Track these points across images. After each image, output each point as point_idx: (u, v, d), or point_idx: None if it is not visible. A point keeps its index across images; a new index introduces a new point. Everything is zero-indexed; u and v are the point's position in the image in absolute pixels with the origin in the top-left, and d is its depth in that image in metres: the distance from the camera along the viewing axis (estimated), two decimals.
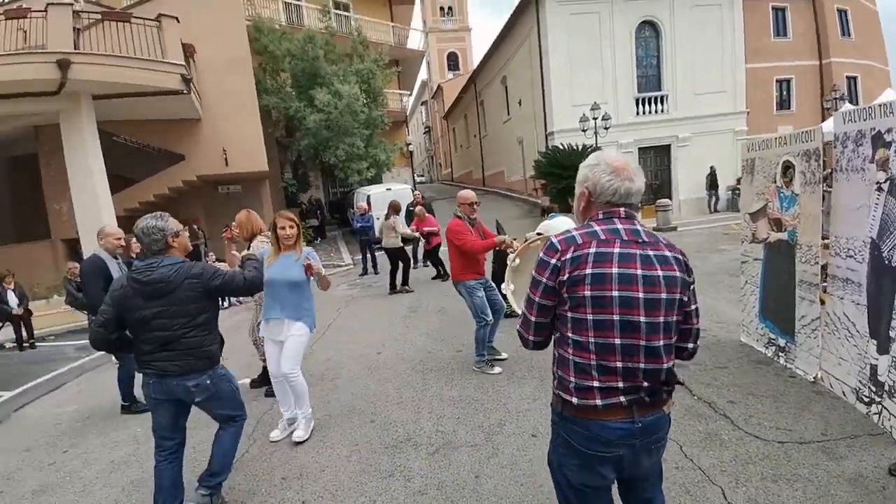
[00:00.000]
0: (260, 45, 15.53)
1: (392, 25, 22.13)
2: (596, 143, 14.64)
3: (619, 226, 1.38)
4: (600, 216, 1.41)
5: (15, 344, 7.49)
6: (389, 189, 14.98)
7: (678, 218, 15.13)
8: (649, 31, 18.02)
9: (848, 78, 21.40)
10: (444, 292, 7.87)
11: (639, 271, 1.32)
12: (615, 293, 1.30)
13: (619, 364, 1.32)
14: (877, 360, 2.89)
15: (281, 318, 3.25)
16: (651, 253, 1.36)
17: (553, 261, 1.35)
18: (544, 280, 1.37)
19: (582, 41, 17.19)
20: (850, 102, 17.84)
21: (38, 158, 11.33)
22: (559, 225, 5.58)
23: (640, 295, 1.31)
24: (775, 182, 4.26)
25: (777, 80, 21.50)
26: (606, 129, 15.02)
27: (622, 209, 1.41)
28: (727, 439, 2.91)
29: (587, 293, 1.31)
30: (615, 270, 1.31)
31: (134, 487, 3.05)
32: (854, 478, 2.42)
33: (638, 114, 17.89)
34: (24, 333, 7.52)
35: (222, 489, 2.68)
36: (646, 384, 1.34)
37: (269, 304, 3.29)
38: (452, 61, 41.05)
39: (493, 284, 4.48)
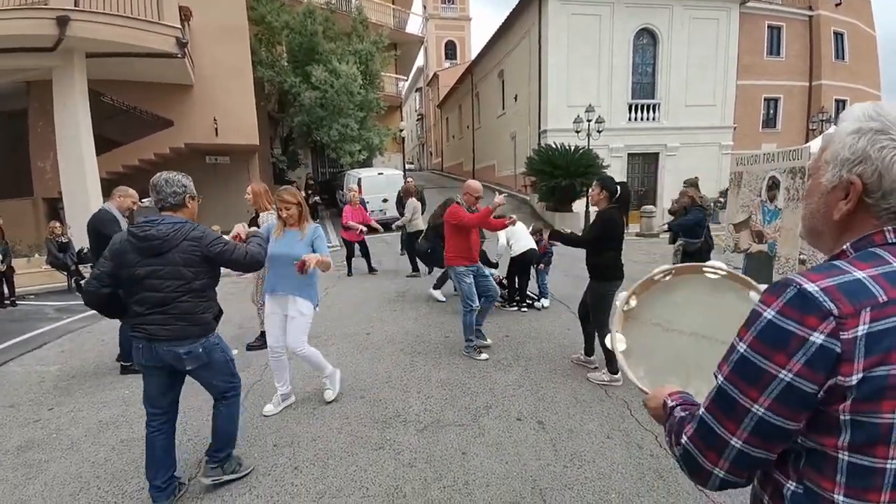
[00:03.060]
0: (257, 14, 15.23)
1: (393, 8, 21.90)
2: (588, 145, 14.87)
3: None
4: (891, 239, 0.75)
5: None
6: (381, 173, 14.96)
7: (661, 225, 15.50)
8: (647, 38, 18.28)
9: (836, 101, 22.10)
10: (431, 279, 7.98)
11: None
12: None
13: None
14: None
15: (285, 293, 3.27)
16: None
17: (816, 335, 0.67)
18: (783, 374, 0.69)
19: (581, 42, 17.34)
20: (835, 125, 18.45)
21: (28, 114, 10.94)
22: (518, 231, 5.72)
23: None
24: (760, 196, 4.49)
25: (765, 98, 22.10)
26: (599, 132, 15.26)
27: None
28: None
29: None
30: None
31: (125, 446, 3.08)
32: None
33: (630, 119, 18.20)
34: (6, 290, 7.34)
35: (232, 456, 2.67)
36: None
37: (274, 279, 3.30)
38: (450, 50, 40.78)
39: (486, 272, 4.61)
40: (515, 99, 21.06)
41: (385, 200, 13.82)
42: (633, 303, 1.45)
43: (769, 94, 22.03)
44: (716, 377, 0.79)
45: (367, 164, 18.00)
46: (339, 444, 3.05)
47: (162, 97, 11.96)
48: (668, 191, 18.61)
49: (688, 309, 1.36)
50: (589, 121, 14.78)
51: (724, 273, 1.32)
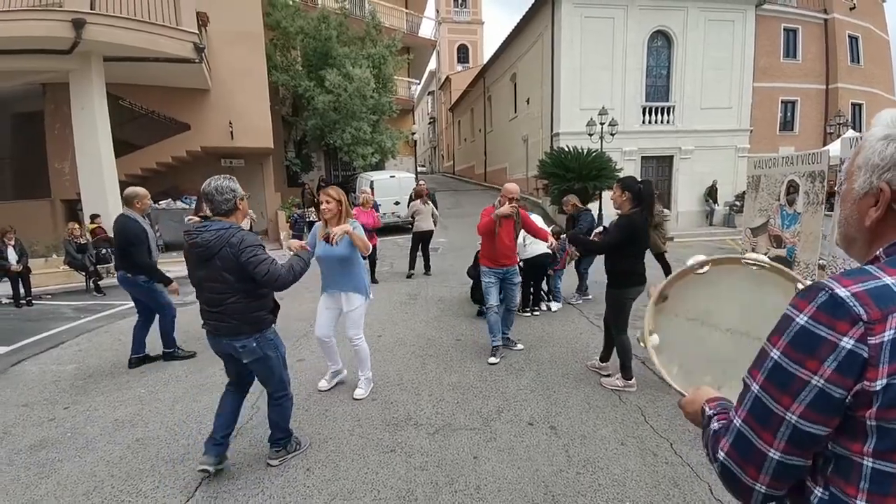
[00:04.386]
0: (273, 20, 15.42)
1: (406, 12, 22.02)
2: (601, 148, 14.76)
3: None
4: None
5: (11, 300, 7.47)
6: (393, 176, 15.02)
7: (675, 229, 15.32)
8: (662, 41, 18.10)
9: (853, 104, 21.66)
10: (442, 282, 7.99)
11: None
12: None
13: None
14: None
15: (337, 291, 3.55)
16: None
17: (846, 340, 0.67)
18: (815, 380, 0.68)
19: (595, 45, 17.23)
20: (854, 129, 18.09)
21: (45, 116, 11.20)
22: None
23: None
24: (778, 200, 4.40)
25: (782, 101, 21.70)
26: (612, 135, 15.13)
27: None
28: None
29: None
30: None
31: (140, 445, 3.12)
32: None
33: (644, 122, 18.02)
34: (22, 290, 7.50)
35: (292, 438, 2.93)
36: None
37: (325, 278, 3.59)
38: (462, 53, 40.88)
39: (515, 279, 4.51)
40: (528, 102, 20.99)
41: (397, 203, 13.87)
42: (667, 297, 1.37)
43: (786, 96, 21.65)
44: (747, 384, 0.77)
45: (379, 167, 18.07)
46: (350, 445, 3.05)
47: (179, 101, 12.16)
48: (683, 194, 18.41)
49: (726, 303, 1.29)
50: (602, 123, 14.67)
51: (766, 265, 1.26)
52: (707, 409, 0.92)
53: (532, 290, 6.02)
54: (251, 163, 14.55)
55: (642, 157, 18.12)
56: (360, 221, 7.86)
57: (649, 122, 18.06)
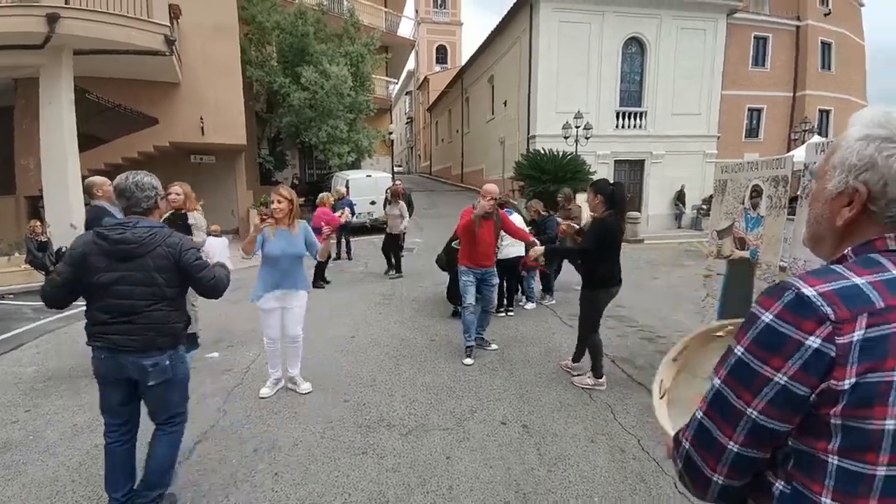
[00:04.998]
0: (248, 14, 15.11)
1: (385, 11, 21.91)
2: (576, 151, 15.00)
3: None
4: (892, 246, 0.74)
5: None
6: (370, 176, 14.90)
7: (646, 231, 15.69)
8: (636, 47, 18.52)
9: (821, 111, 22.51)
10: (417, 282, 7.97)
11: None
12: None
13: None
14: None
15: (289, 289, 3.59)
16: None
17: (812, 339, 0.67)
18: (778, 377, 0.69)
19: (571, 50, 17.51)
20: (820, 135, 18.84)
21: (14, 112, 10.68)
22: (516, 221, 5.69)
23: None
24: (743, 203, 4.56)
25: (749, 109, 22.51)
26: (587, 138, 15.40)
27: None
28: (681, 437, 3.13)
29: (890, 424, 0.66)
30: None
31: (99, 451, 2.97)
32: None
33: (617, 127, 18.40)
34: None
35: (165, 496, 2.37)
36: None
37: (276, 277, 3.55)
38: (441, 54, 40.90)
39: (492, 280, 4.57)
40: (505, 104, 21.17)
41: (373, 202, 13.76)
42: (677, 357, 1.33)
43: (753, 104, 22.45)
44: (712, 381, 0.78)
45: (355, 166, 17.92)
46: (321, 448, 3.00)
47: (147, 94, 11.75)
48: (654, 198, 18.89)
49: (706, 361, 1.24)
50: (577, 127, 14.91)
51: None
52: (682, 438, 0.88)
53: (506, 290, 6.07)
54: (223, 159, 14.20)
55: (615, 161, 18.50)
56: (322, 221, 7.77)
57: (623, 126, 18.45)
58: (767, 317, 0.71)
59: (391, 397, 3.74)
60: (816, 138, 6.78)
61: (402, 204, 8.54)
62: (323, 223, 7.53)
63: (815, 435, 0.69)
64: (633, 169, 18.97)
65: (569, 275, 7.06)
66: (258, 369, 4.26)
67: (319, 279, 7.72)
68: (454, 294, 6.08)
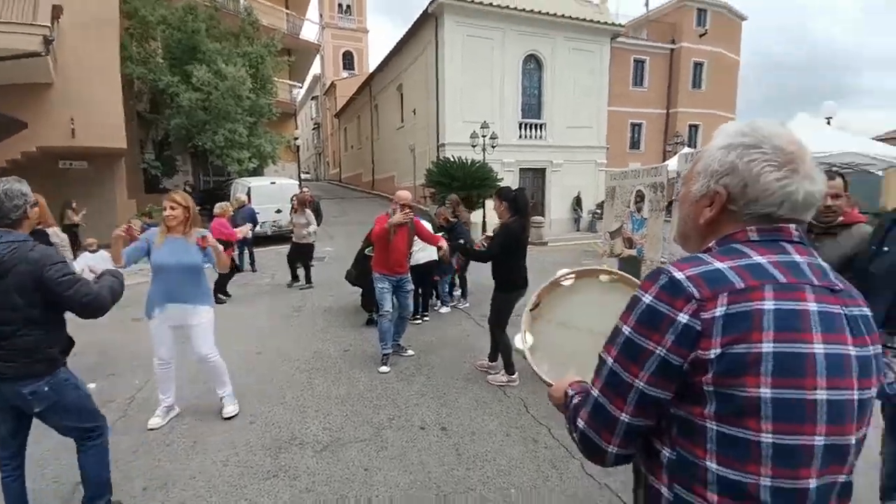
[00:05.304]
0: (130, 7, 13.62)
1: (286, 12, 21.06)
2: (484, 159, 15.60)
3: (798, 257, 0.80)
4: (753, 237, 0.81)
5: None
6: (274, 183, 14.11)
7: (549, 235, 16.76)
8: (534, 63, 19.82)
9: (690, 126, 25.75)
10: (328, 291, 7.69)
11: (852, 350, 0.76)
12: (823, 395, 0.73)
13: None
14: None
15: (184, 303, 3.18)
16: (856, 312, 0.80)
17: (682, 315, 0.75)
18: (659, 350, 0.76)
19: (476, 62, 18.24)
20: (689, 147, 21.58)
21: None
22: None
23: (855, 395, 0.76)
24: (629, 207, 5.06)
25: (631, 123, 25.19)
26: (493, 147, 16.10)
27: (793, 228, 0.83)
28: None
29: (765, 391, 0.71)
30: (820, 349, 0.73)
31: None
32: None
33: (520, 137, 19.50)
34: None
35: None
36: None
37: (165, 290, 3.16)
38: (348, 60, 40.25)
39: (407, 286, 4.56)
40: (414, 112, 21.40)
41: (279, 211, 13.05)
42: (539, 304, 1.56)
43: (634, 119, 25.17)
44: (603, 359, 0.86)
45: (257, 172, 16.91)
46: (223, 477, 2.75)
47: (14, 96, 9.96)
48: (555, 203, 20.29)
49: (586, 309, 1.48)
50: (484, 136, 15.52)
51: (615, 277, 1.49)
52: (570, 391, 1.01)
53: (421, 296, 6.09)
54: (98, 164, 12.52)
55: (520, 169, 19.57)
56: (220, 235, 7.12)
57: (525, 136, 19.60)
58: (647, 298, 0.79)
59: (303, 414, 3.55)
60: (686, 149, 7.76)
61: (309, 212, 8.18)
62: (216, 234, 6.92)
63: (692, 402, 0.76)
64: (535, 176, 20.20)
65: (483, 276, 7.29)
66: (145, 398, 3.80)
67: (219, 292, 7.11)
68: (369, 301, 5.97)
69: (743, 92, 28.90)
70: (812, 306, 0.75)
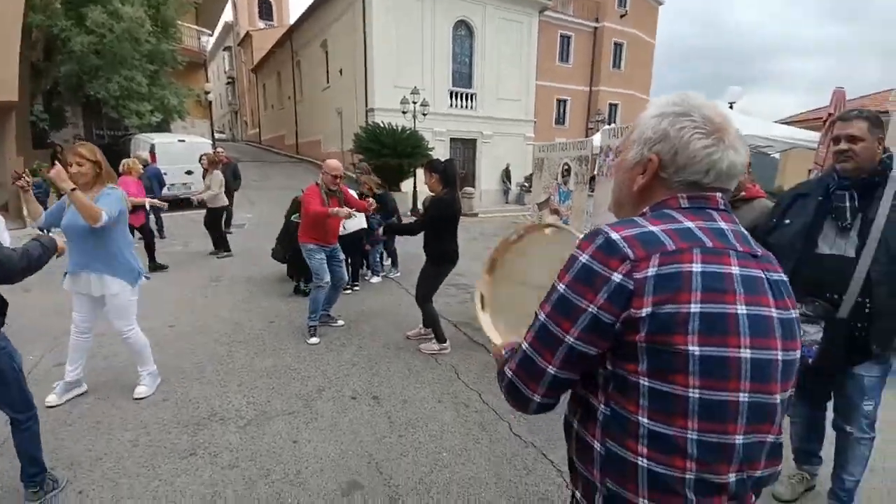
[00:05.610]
0: None
1: None
2: (415, 127, 15.28)
3: (723, 224, 0.84)
4: (683, 204, 0.85)
5: None
6: (182, 140, 12.82)
7: (480, 206, 17.03)
8: (465, 30, 19.52)
9: (610, 105, 27.00)
10: (249, 260, 7.25)
11: (774, 312, 0.81)
12: (747, 353, 0.77)
13: (731, 477, 0.79)
14: None
15: (85, 272, 2.88)
16: (776, 277, 0.85)
17: (616, 275, 0.77)
18: (591, 308, 0.79)
19: (406, 24, 17.58)
20: (609, 125, 22.66)
21: None
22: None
23: (779, 356, 0.80)
24: (556, 179, 5.23)
25: (557, 99, 25.93)
26: (424, 115, 15.81)
27: (719, 196, 0.87)
28: None
29: (692, 349, 0.75)
30: (742, 310, 0.78)
31: None
32: None
33: (451, 106, 19.32)
34: None
35: (46, 474, 2.26)
36: None
37: (74, 256, 2.86)
38: (265, 8, 36.88)
39: (339, 256, 4.41)
40: (341, 73, 20.28)
41: (189, 172, 11.94)
42: (495, 264, 1.56)
43: (560, 95, 25.92)
44: (537, 315, 0.87)
45: (162, 128, 15.23)
46: (133, 459, 2.53)
47: None
48: (485, 175, 20.57)
49: (537, 265, 1.48)
50: (415, 103, 15.16)
51: (558, 227, 1.52)
52: (504, 352, 1.05)
53: (350, 265, 5.93)
54: None
55: (451, 139, 19.49)
56: (130, 195, 6.30)
57: (456, 106, 19.45)
58: (584, 257, 0.81)
59: (224, 388, 3.34)
60: (608, 126, 8.17)
61: (218, 173, 7.50)
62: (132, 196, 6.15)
63: (626, 359, 0.79)
64: (466, 147, 20.26)
65: (411, 245, 7.25)
66: (43, 373, 3.39)
67: (152, 263, 6.50)
68: (296, 270, 5.73)
69: (657, 75, 30.68)
70: (735, 270, 0.79)
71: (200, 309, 5.07)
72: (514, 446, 2.76)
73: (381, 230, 4.21)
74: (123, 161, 6.46)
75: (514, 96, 20.83)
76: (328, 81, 21.91)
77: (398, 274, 6.71)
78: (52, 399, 3.02)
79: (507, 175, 20.85)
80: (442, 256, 3.91)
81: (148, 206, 6.43)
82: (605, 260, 0.78)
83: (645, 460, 0.78)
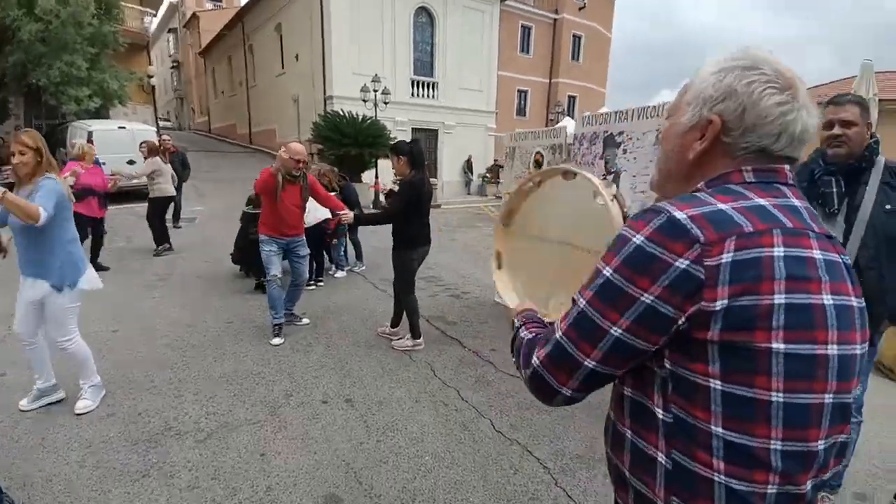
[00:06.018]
0: None
1: None
2: (375, 116, 14.87)
3: (796, 201, 0.73)
4: (749, 178, 0.73)
5: None
6: (123, 128, 11.85)
7: (442, 197, 16.85)
8: (426, 17, 19.15)
9: (569, 97, 27.35)
10: (201, 256, 6.77)
11: (854, 301, 0.71)
12: (834, 350, 0.67)
13: (808, 486, 0.70)
14: None
15: (29, 276, 2.62)
16: (848, 261, 0.75)
17: (681, 261, 0.66)
18: (645, 297, 0.68)
19: (365, 8, 17.03)
20: (570, 117, 22.98)
21: None
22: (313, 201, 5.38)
23: (857, 350, 0.71)
24: (529, 169, 5.14)
25: (518, 90, 26.03)
26: (386, 103, 15.40)
27: (787, 168, 0.75)
28: (492, 380, 3.42)
29: (777, 346, 0.64)
30: (829, 300, 0.68)
31: None
32: (591, 404, 3.18)
33: (413, 95, 18.96)
34: None
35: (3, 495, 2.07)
36: None
37: (21, 257, 2.63)
38: None
39: (301, 251, 4.10)
40: (297, 58, 19.43)
41: (131, 162, 11.00)
42: (513, 215, 1.45)
43: (521, 86, 26.03)
44: (575, 301, 0.77)
45: (101, 115, 14.09)
46: (82, 481, 2.23)
47: None
48: (447, 165, 20.40)
49: (553, 216, 1.37)
50: (375, 91, 14.73)
51: (573, 172, 1.38)
52: (516, 320, 0.98)
53: (314, 260, 5.63)
54: None
55: (413, 129, 19.15)
56: (84, 182, 5.72)
57: (417, 95, 19.11)
58: (638, 238, 0.69)
59: (179, 398, 3.04)
60: (569, 119, 8.15)
61: (157, 160, 6.92)
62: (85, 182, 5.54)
63: (691, 359, 0.68)
64: (428, 137, 19.97)
65: (375, 238, 7.00)
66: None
67: (95, 264, 5.83)
68: (243, 259, 5.40)
69: (612, 70, 31.56)
70: (817, 254, 0.69)
71: (147, 311, 4.65)
72: (499, 445, 2.65)
73: (351, 216, 3.90)
74: (78, 144, 5.89)
75: (476, 87, 20.71)
76: (283, 67, 20.98)
77: (364, 267, 6.45)
78: (24, 403, 2.84)
79: (468, 166, 20.76)
80: (413, 240, 3.72)
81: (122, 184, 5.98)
82: (666, 243, 0.67)
83: (722, 476, 0.67)
